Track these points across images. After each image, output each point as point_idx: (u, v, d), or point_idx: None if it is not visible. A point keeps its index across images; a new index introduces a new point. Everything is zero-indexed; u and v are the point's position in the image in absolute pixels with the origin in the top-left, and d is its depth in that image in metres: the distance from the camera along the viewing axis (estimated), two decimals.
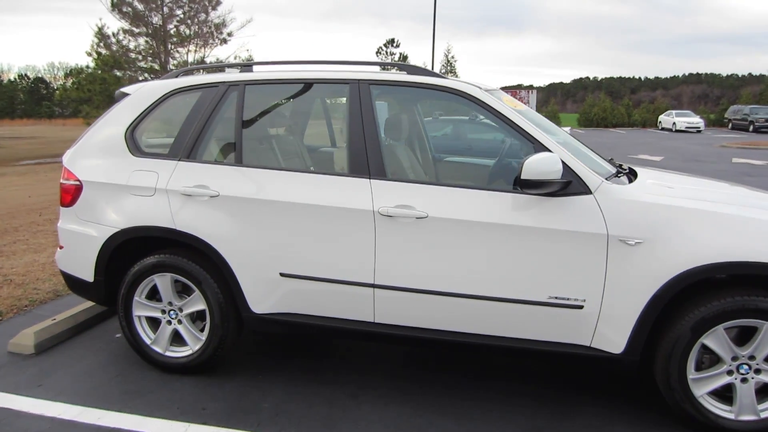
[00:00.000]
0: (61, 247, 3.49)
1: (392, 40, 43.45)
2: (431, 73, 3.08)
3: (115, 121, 3.35)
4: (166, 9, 24.15)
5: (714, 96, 79.34)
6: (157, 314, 3.29)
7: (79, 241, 3.34)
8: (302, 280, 3.01)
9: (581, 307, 2.71)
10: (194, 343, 3.25)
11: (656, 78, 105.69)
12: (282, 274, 3.02)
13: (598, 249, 2.65)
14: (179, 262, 3.13)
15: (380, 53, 43.35)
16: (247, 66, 3.31)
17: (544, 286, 2.73)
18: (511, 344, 2.85)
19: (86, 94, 23.21)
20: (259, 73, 3.26)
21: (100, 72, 23.26)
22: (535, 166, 2.58)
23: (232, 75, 3.24)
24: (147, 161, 3.23)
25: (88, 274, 3.34)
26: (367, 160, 2.93)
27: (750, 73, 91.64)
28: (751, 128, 34.26)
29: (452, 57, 42.56)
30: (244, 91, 3.18)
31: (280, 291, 3.05)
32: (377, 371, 3.38)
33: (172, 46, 24.73)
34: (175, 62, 24.71)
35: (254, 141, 3.35)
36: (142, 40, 24.41)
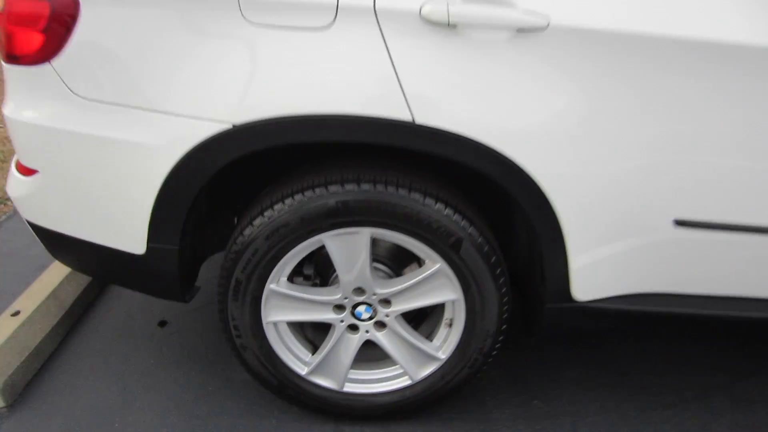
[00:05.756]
0: (28, 172, 1.38)
1: None
2: None
3: None
4: None
5: None
6: (328, 315, 1.45)
7: (92, 156, 1.28)
8: (715, 231, 1.32)
9: None
10: (418, 367, 1.51)
11: None
12: (678, 222, 1.30)
13: None
14: (406, 203, 1.26)
15: None
16: None
17: None
18: None
19: None
20: None
21: None
22: None
23: None
24: None
25: (128, 235, 1.34)
26: None
27: None
28: None
29: None
30: None
31: (657, 254, 1.35)
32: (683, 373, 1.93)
33: None
34: None
35: None
36: None
